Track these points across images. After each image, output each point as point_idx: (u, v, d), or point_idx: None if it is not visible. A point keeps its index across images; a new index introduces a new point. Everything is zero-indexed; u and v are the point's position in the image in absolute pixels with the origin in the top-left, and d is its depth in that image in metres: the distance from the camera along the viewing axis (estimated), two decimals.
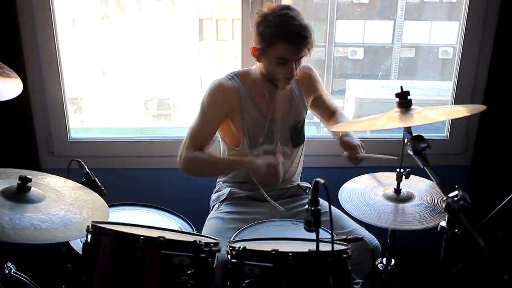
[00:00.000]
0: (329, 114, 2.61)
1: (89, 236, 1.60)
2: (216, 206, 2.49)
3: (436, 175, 1.54)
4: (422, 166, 1.56)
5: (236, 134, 2.38)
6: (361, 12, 3.59)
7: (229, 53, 3.92)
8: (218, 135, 2.46)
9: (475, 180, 3.12)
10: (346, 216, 2.18)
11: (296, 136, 2.44)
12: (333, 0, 3.44)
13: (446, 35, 3.56)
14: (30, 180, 1.75)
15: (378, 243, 2.23)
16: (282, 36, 2.12)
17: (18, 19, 2.64)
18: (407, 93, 1.66)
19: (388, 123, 1.64)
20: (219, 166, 2.42)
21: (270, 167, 2.14)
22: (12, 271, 2.28)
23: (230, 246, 1.67)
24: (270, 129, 2.34)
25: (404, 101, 1.66)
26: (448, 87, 3.22)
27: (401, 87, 1.66)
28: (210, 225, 2.36)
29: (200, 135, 2.33)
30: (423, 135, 1.59)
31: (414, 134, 1.57)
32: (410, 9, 3.55)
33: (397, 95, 1.67)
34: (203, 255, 1.58)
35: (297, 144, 2.46)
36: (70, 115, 2.97)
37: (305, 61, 2.32)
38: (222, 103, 2.33)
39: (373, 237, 2.24)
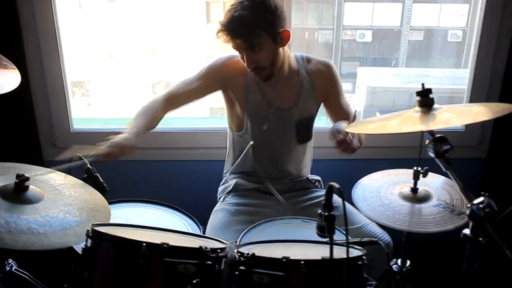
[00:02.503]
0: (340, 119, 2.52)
1: (89, 240, 1.52)
2: (222, 198, 2.44)
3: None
4: (444, 170, 1.46)
5: (241, 116, 2.35)
6: None
7: None
8: (226, 123, 2.44)
9: (490, 174, 3.03)
10: (356, 211, 2.10)
11: (302, 132, 2.36)
12: None
13: (456, 17, 3.53)
14: (28, 179, 1.66)
15: (390, 239, 2.16)
16: (220, 25, 2.11)
17: (16, 5, 2.56)
18: (429, 91, 1.54)
19: (408, 126, 1.52)
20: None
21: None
22: (13, 268, 2.24)
23: (238, 252, 1.59)
24: (275, 118, 2.29)
25: (425, 99, 1.55)
26: (462, 75, 3.13)
27: (423, 84, 1.54)
28: (216, 217, 2.31)
29: (182, 84, 2.33)
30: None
31: (437, 135, 1.47)
32: None
33: (418, 93, 1.56)
34: (209, 262, 1.49)
35: (303, 141, 2.38)
36: (77, 98, 2.91)
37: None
38: (227, 72, 2.32)
39: (385, 233, 2.17)
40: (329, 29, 3.59)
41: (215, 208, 2.39)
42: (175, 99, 2.30)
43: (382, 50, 3.80)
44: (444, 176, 2.00)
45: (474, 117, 1.51)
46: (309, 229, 2.01)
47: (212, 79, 2.32)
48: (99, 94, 3.96)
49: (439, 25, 3.59)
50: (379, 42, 3.73)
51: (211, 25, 3.78)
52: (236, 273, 1.53)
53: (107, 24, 3.57)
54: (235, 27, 2.07)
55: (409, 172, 1.93)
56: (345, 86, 3.90)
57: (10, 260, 2.26)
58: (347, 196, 1.83)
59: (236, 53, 2.25)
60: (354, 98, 3.86)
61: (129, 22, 3.58)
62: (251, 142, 2.29)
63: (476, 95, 2.96)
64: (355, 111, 2.13)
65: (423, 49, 3.75)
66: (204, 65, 2.36)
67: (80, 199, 1.77)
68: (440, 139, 1.47)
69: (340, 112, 2.43)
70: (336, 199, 1.40)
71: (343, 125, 2.12)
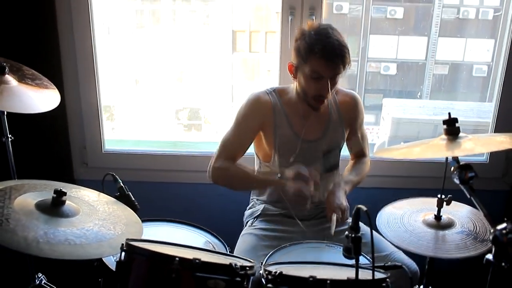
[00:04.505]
0: (354, 154, 2.58)
1: (123, 254, 1.58)
2: (249, 222, 2.45)
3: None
4: (468, 196, 1.50)
5: (268, 150, 2.36)
6: (395, 27, 3.57)
7: (261, 66, 3.93)
8: (252, 148, 2.45)
9: None
10: (383, 239, 2.12)
11: (329, 162, 2.38)
12: (367, 15, 3.44)
13: (481, 52, 3.52)
14: (65, 193, 1.73)
15: (417, 268, 2.16)
16: (317, 50, 2.10)
17: (57, 30, 2.63)
18: (455, 120, 1.60)
19: (434, 152, 1.58)
20: (250, 182, 2.40)
21: (299, 195, 2.12)
22: (43, 282, 2.30)
23: (265, 270, 1.63)
24: (303, 150, 2.31)
25: (452, 128, 1.61)
26: (487, 108, 3.14)
27: (449, 113, 1.60)
28: (244, 241, 2.32)
29: (232, 146, 2.34)
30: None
31: (461, 163, 1.51)
32: (445, 25, 3.52)
33: (444, 121, 1.62)
34: (238, 278, 1.54)
35: (329, 170, 2.40)
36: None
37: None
38: (257, 115, 2.32)
39: (412, 261, 2.17)
40: (353, 60, 3.59)
41: (243, 232, 2.42)
42: (237, 156, 2.35)
43: (406, 83, 3.79)
44: (468, 204, 2.04)
45: (498, 145, 1.56)
46: (333, 253, 2.05)
47: (254, 126, 2.33)
48: (124, 118, 4.01)
49: (464, 59, 3.59)
50: (403, 75, 3.73)
51: (237, 54, 3.84)
52: None
53: (134, 50, 3.64)
54: (339, 54, 2.13)
55: (433, 201, 1.97)
56: (368, 118, 3.93)
57: (40, 274, 2.33)
58: (373, 225, 1.87)
59: (256, 90, 2.33)
60: (378, 130, 3.88)
61: (156, 48, 3.65)
62: (278, 175, 2.27)
63: (501, 128, 2.95)
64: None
65: (448, 83, 3.73)
66: (237, 114, 2.35)
67: (114, 214, 1.85)
68: (465, 166, 1.51)
69: (355, 147, 2.54)
70: (363, 227, 1.44)
71: (343, 201, 2.22)
